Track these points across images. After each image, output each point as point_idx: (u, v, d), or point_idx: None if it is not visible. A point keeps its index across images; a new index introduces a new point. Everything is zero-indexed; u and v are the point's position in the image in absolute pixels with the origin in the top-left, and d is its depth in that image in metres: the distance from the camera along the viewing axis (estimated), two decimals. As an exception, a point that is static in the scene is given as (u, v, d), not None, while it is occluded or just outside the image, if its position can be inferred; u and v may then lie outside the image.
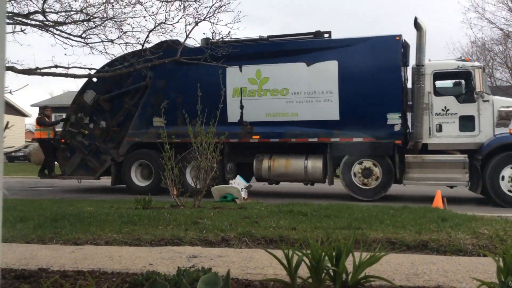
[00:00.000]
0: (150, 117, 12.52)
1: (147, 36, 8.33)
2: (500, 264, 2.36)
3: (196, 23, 8.14)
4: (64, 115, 14.09)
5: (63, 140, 13.33)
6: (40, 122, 13.72)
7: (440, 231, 4.64)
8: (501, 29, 27.05)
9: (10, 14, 7.81)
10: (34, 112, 31.98)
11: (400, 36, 11.26)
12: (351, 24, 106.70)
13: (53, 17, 8.73)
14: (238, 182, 9.98)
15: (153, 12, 8.40)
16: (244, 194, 9.75)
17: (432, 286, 2.76)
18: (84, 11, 8.76)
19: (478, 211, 8.19)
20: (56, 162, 14.12)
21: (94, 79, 12.68)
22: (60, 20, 8.66)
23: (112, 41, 8.89)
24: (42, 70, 7.20)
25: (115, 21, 8.95)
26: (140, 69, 11.42)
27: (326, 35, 12.11)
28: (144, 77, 12.64)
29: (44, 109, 14.52)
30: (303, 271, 2.58)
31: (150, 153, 12.46)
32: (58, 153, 13.49)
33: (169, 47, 10.82)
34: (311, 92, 11.57)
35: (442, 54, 41.75)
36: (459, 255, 3.86)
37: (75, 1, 8.58)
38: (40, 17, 8.31)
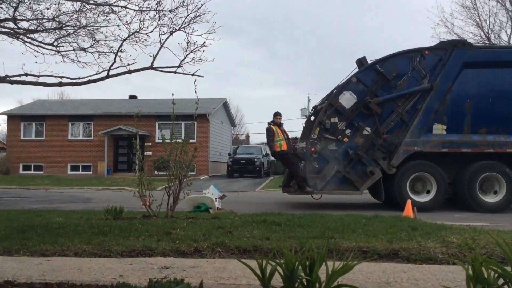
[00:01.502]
0: (431, 123, 11.22)
1: (121, 45, 8.22)
2: (469, 272, 2.41)
3: (171, 33, 8.07)
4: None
5: (313, 149, 11.28)
6: (269, 133, 12.01)
7: (410, 240, 4.72)
8: (469, 44, 27.88)
9: (-22, 21, 7.61)
10: (2, 121, 31.22)
11: None
12: (328, 33, 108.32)
13: (24, 24, 8.56)
14: (212, 192, 9.92)
15: (127, 21, 8.28)
16: (218, 204, 9.70)
17: (403, 294, 2.80)
18: (56, 19, 8.60)
19: (448, 220, 8.36)
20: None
21: (354, 79, 11.45)
22: (32, 28, 8.48)
23: (84, 49, 8.74)
24: (12, 78, 7.01)
25: (88, 30, 8.82)
26: (418, 70, 11.31)
27: None
28: (419, 79, 11.38)
29: (275, 116, 12.53)
30: (277, 281, 2.58)
31: (429, 164, 11.21)
32: (302, 165, 11.55)
33: (457, 47, 10.80)
34: None
35: (412, 66, 42.67)
36: (429, 263, 3.92)
37: (47, 9, 8.42)
38: (11, 24, 8.12)
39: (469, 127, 11.10)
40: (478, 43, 23.71)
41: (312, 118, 13.28)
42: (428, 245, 4.43)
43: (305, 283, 2.54)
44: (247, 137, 64.62)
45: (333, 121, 11.34)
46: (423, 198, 11.19)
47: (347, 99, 11.37)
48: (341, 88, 11.58)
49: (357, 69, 12.32)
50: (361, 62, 12.50)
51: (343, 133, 11.26)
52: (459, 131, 11.08)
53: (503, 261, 3.31)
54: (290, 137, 12.41)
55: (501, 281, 2.42)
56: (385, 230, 5.39)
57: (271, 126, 12.13)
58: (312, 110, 13.97)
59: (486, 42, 27.22)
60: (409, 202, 8.97)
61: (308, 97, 68.25)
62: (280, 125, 12.26)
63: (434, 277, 3.29)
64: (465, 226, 6.29)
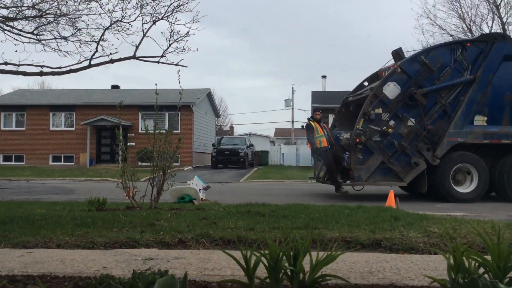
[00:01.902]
0: (473, 115, 11.49)
1: (103, 34, 8.10)
2: (450, 262, 2.44)
3: (154, 22, 7.97)
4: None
5: (358, 140, 11.24)
6: (309, 129, 11.84)
7: (393, 230, 4.77)
8: (451, 35, 28.23)
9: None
10: (-19, 111, 30.52)
11: None
12: (312, 24, 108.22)
13: (3, 12, 8.37)
14: (196, 183, 9.90)
15: (108, 10, 8.15)
16: (202, 195, 9.68)
17: (385, 284, 2.83)
18: (36, 7, 8.44)
19: (429, 210, 8.48)
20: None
21: (398, 70, 11.51)
22: (11, 15, 8.30)
23: (65, 38, 8.60)
24: (-10, 67, 6.86)
25: (69, 18, 8.66)
26: (460, 61, 11.49)
27: None
28: (461, 70, 11.58)
29: (314, 112, 12.44)
30: (261, 271, 2.59)
31: (471, 155, 11.52)
32: (346, 156, 11.52)
33: (497, 40, 11.06)
34: None
35: (396, 58, 42.98)
36: (411, 253, 3.98)
37: (27, -4, 8.25)
38: (-12, 11, 7.94)
39: (508, 119, 11.51)
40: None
41: (343, 110, 13.80)
42: (410, 235, 4.48)
43: (289, 273, 2.55)
44: (231, 128, 64.54)
45: (377, 112, 11.35)
46: (465, 189, 11.50)
47: (391, 90, 11.40)
48: (385, 79, 11.58)
49: (392, 61, 12.66)
50: (397, 53, 12.92)
51: (387, 124, 11.31)
52: (499, 123, 11.42)
53: (484, 251, 3.38)
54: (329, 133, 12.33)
55: (481, 270, 2.47)
56: (368, 221, 5.45)
57: (311, 122, 12.01)
58: (342, 101, 14.13)
59: (468, 34, 27.53)
60: (391, 192, 9.06)
61: (292, 87, 68.37)
62: (319, 121, 12.10)
63: (416, 266, 3.33)
64: (446, 216, 6.39)
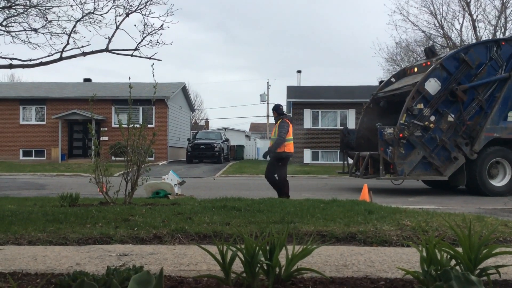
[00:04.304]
0: (507, 111, 11.96)
1: (74, 26, 7.93)
2: (423, 254, 2.49)
3: (127, 14, 7.84)
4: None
5: (401, 135, 11.35)
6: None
7: (367, 223, 4.84)
8: (423, 31, 28.72)
9: None
10: None
11: None
12: (287, 19, 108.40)
13: (-31, 2, 8.11)
14: (171, 178, 9.82)
15: (80, 1, 7.98)
16: (177, 190, 9.62)
17: (360, 277, 2.87)
18: (5, -3, 8.21)
19: (402, 203, 8.64)
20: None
21: (439, 66, 11.75)
22: (-22, 5, 8.06)
23: (36, 30, 8.39)
24: (-43, 59, 6.64)
25: (39, 9, 8.45)
26: (496, 59, 11.91)
27: None
28: (497, 68, 12.00)
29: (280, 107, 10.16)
30: (237, 266, 2.58)
31: (505, 150, 12.02)
32: (390, 150, 11.39)
33: None
34: None
35: (369, 54, 43.46)
36: (384, 246, 4.04)
37: (-5, -14, 8.01)
38: (-46, 1, 7.68)
39: None
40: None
41: (371, 105, 14.33)
42: (384, 228, 4.56)
43: (265, 267, 2.56)
44: (207, 122, 64.23)
45: (419, 107, 11.57)
46: (499, 183, 12.02)
47: (433, 86, 11.66)
48: (427, 75, 11.79)
49: (425, 58, 13.23)
50: (430, 50, 13.57)
51: (429, 119, 11.53)
52: None
53: (455, 243, 3.45)
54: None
55: (453, 262, 2.53)
56: (342, 214, 5.50)
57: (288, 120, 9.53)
58: (371, 96, 14.62)
59: (440, 30, 28.04)
60: (365, 186, 9.19)
61: (268, 82, 68.53)
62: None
63: (389, 259, 3.39)
64: (418, 209, 6.51)
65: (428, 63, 12.72)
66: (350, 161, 13.88)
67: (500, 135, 11.90)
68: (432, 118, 11.59)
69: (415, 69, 13.59)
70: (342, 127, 16.70)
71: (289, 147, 9.27)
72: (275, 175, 9.34)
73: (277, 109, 9.64)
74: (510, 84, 11.96)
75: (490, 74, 11.99)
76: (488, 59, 11.99)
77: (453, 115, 11.68)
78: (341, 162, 16.78)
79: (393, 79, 14.40)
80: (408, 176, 11.61)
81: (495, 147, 11.98)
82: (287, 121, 9.32)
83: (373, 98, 14.44)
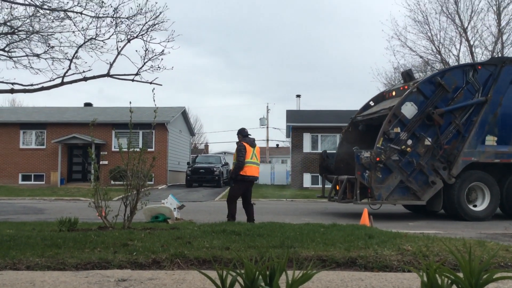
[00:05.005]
0: (484, 135, 11.91)
1: (76, 51, 8.02)
2: (424, 279, 2.48)
3: (128, 40, 7.94)
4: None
5: (378, 159, 11.23)
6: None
7: (367, 248, 4.81)
8: (421, 57, 29.00)
9: None
10: None
11: None
12: (287, 44, 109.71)
13: (-27, 28, 8.24)
14: (171, 202, 9.79)
15: (82, 28, 8.10)
16: (176, 214, 9.57)
17: (361, 302, 2.84)
18: (8, 23, 8.32)
19: (402, 228, 8.59)
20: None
21: (415, 90, 11.73)
22: (-19, 32, 8.17)
23: (38, 55, 8.48)
24: (-41, 84, 6.69)
25: (42, 35, 8.56)
26: (472, 83, 11.98)
27: None
28: (473, 92, 12.00)
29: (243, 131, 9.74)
30: (237, 292, 2.56)
31: (482, 174, 11.90)
32: (367, 174, 11.26)
33: (506, 63, 11.72)
34: None
35: (368, 78, 43.88)
36: (385, 271, 4.01)
37: (-1, 13, 8.13)
38: (-42, 27, 7.79)
39: None
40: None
41: (350, 129, 14.30)
42: (384, 253, 4.53)
43: (265, 293, 2.54)
44: (206, 146, 64.28)
45: (396, 131, 11.51)
46: (478, 208, 11.88)
47: (409, 110, 11.62)
48: (403, 99, 11.75)
49: (402, 81, 13.20)
50: (407, 74, 13.66)
51: (406, 143, 11.47)
52: (508, 143, 11.94)
53: (456, 268, 3.43)
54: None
55: (454, 287, 2.51)
56: (343, 239, 5.47)
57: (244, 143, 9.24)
58: (350, 120, 14.53)
59: (437, 56, 28.33)
60: (365, 211, 9.15)
61: (267, 106, 68.84)
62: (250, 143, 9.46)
63: (390, 284, 3.36)
64: (419, 234, 6.48)
65: (406, 87, 12.67)
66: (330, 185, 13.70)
67: (478, 159, 11.78)
68: (409, 142, 11.51)
69: (393, 93, 13.50)
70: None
71: (249, 170, 9.07)
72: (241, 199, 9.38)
73: (241, 132, 9.53)
74: (487, 108, 11.90)
75: (467, 98, 11.96)
76: (465, 83, 11.99)
77: (430, 139, 11.58)
78: None
79: (371, 103, 14.27)
80: (385, 201, 11.44)
81: (474, 171, 11.85)
82: (244, 144, 9.19)
83: (352, 122, 14.30)
